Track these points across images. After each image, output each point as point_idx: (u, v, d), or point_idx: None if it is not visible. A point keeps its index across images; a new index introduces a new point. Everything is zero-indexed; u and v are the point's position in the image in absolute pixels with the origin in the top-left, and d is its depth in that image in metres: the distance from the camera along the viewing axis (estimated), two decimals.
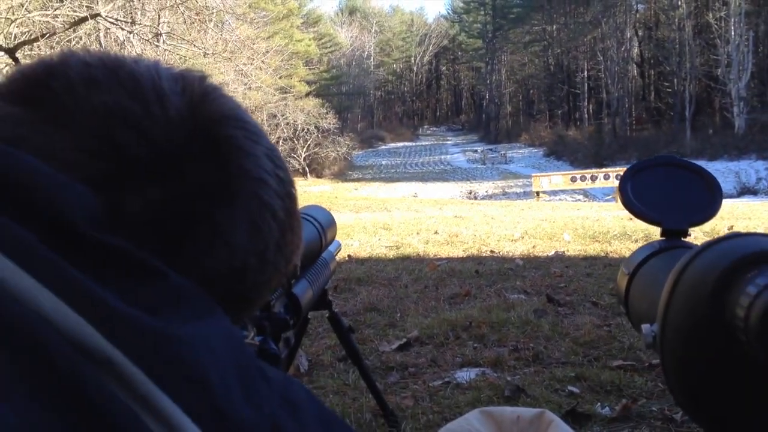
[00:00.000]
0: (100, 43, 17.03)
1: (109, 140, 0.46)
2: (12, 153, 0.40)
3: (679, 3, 44.58)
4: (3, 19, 12.78)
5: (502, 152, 51.63)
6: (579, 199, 25.60)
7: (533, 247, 6.82)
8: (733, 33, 39.52)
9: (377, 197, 25.23)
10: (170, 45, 16.71)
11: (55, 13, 13.58)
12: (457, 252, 6.69)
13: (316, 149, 41.64)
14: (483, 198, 29.48)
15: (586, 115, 53.92)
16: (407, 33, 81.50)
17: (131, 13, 16.05)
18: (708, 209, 0.77)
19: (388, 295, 4.41)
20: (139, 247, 0.41)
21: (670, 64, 45.73)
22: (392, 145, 63.98)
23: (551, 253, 6.33)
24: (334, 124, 41.65)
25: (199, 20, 17.36)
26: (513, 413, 1.39)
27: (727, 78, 39.73)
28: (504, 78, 68.56)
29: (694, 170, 0.81)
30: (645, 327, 0.56)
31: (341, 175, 44.51)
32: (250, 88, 25.32)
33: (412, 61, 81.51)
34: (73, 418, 0.32)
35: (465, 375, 2.71)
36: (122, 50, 14.35)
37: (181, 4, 15.93)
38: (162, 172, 0.47)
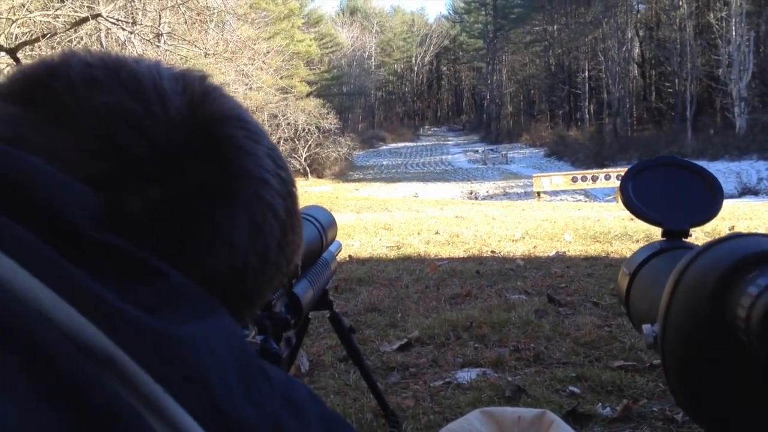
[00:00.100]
0: (101, 44, 17.04)
1: (110, 140, 0.46)
2: (11, 153, 0.40)
3: (680, 3, 44.56)
4: (4, 20, 12.78)
5: (503, 152, 51.62)
6: (580, 200, 25.60)
7: (534, 247, 6.82)
8: (734, 33, 39.50)
9: (378, 197, 25.23)
10: (171, 45, 16.71)
11: (56, 13, 13.58)
12: (458, 252, 6.69)
13: (317, 149, 41.67)
14: (484, 198, 29.49)
15: (587, 116, 53.91)
16: (408, 33, 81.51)
17: (132, 13, 16.05)
18: (709, 210, 0.77)
19: (389, 295, 4.41)
20: (140, 246, 0.41)
21: (671, 65, 45.73)
22: (393, 145, 63.99)
23: (552, 253, 6.33)
24: (335, 124, 41.65)
25: (200, 20, 17.37)
26: (514, 414, 1.39)
27: (728, 78, 39.72)
28: (505, 78, 68.56)
29: (695, 170, 0.81)
30: (646, 327, 0.56)
31: (342, 176, 44.53)
32: (251, 88, 25.32)
33: (413, 62, 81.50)
34: (75, 418, 0.32)
35: (466, 375, 2.71)
36: (123, 50, 14.36)
37: (182, 4, 15.93)
38: (163, 172, 0.47)
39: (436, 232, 8.55)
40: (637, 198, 0.78)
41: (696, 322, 0.49)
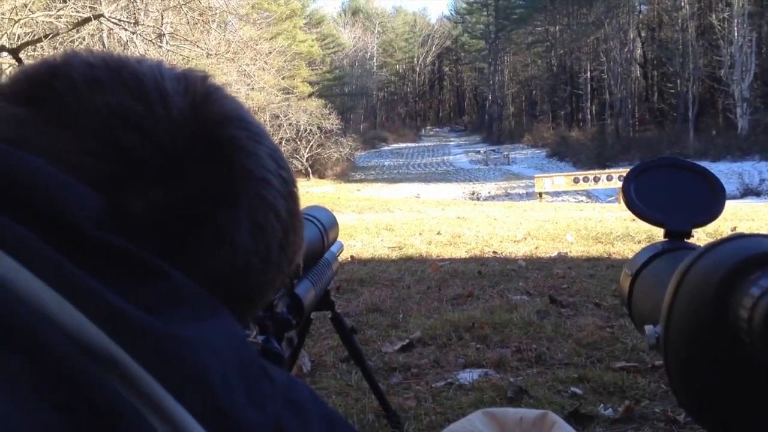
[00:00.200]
0: (104, 44, 17.06)
1: (113, 141, 0.46)
2: (13, 153, 0.40)
3: (682, 4, 44.57)
4: (6, 20, 12.81)
5: (505, 153, 51.60)
6: (582, 200, 25.59)
7: (536, 248, 6.81)
8: (736, 34, 39.49)
9: (380, 198, 25.23)
10: (173, 46, 16.73)
11: (58, 13, 13.60)
12: (460, 253, 6.69)
13: (319, 150, 41.71)
14: (486, 199, 29.49)
15: (588, 116, 53.89)
16: (410, 34, 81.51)
17: (134, 13, 16.06)
18: (711, 210, 0.77)
19: (390, 295, 4.41)
20: (142, 247, 0.41)
21: (673, 65, 45.72)
22: (395, 145, 64.01)
23: (554, 254, 6.32)
24: (336, 124, 41.66)
25: (202, 21, 17.38)
26: (516, 414, 1.39)
27: (730, 79, 39.72)
28: (507, 79, 68.53)
29: (697, 171, 0.81)
30: (648, 328, 0.56)
31: (344, 176, 44.55)
32: (253, 88, 25.35)
33: (415, 62, 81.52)
34: (77, 418, 0.32)
35: (468, 376, 2.71)
36: (125, 51, 14.36)
37: (185, 4, 15.94)
38: (165, 173, 0.47)
39: (438, 233, 8.54)
40: (639, 199, 0.78)
41: (698, 323, 0.49)
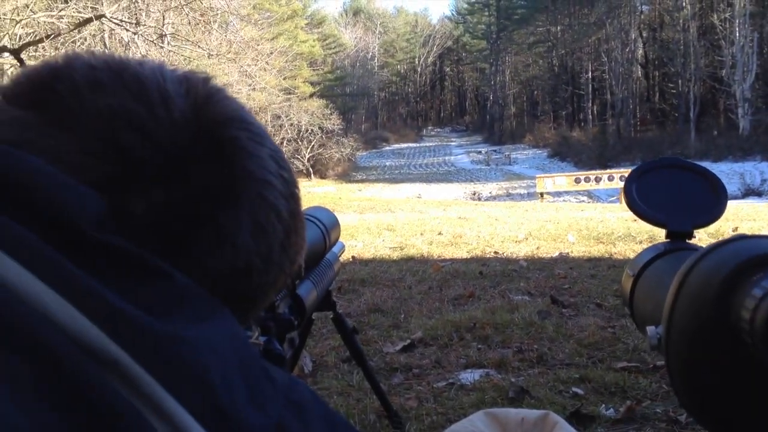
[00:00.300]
0: (105, 44, 17.07)
1: (114, 143, 0.46)
2: (13, 153, 0.40)
3: (684, 4, 44.56)
4: (8, 20, 12.81)
5: (506, 153, 51.59)
6: (583, 201, 25.58)
7: (537, 248, 6.81)
8: (737, 34, 39.47)
9: (381, 198, 25.23)
10: (175, 46, 16.75)
11: (60, 14, 13.61)
12: (461, 253, 6.69)
13: (320, 150, 41.69)
14: (487, 199, 29.48)
15: (590, 116, 53.86)
16: (411, 34, 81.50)
17: (136, 14, 16.07)
18: (713, 211, 0.77)
19: (392, 296, 4.41)
20: (143, 248, 0.41)
21: (674, 65, 45.70)
22: (396, 146, 64.00)
23: (555, 254, 6.32)
24: (338, 125, 41.65)
25: (203, 21, 17.38)
26: (517, 415, 1.40)
27: (732, 79, 39.70)
28: (508, 79, 68.55)
29: (698, 172, 0.81)
30: (650, 329, 0.56)
31: (345, 176, 44.54)
32: (254, 89, 25.34)
33: (416, 62, 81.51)
34: (77, 418, 0.32)
35: (469, 376, 2.71)
36: (127, 51, 14.38)
37: (186, 5, 15.95)
38: (166, 175, 0.47)
39: (439, 233, 8.54)
40: (641, 199, 0.78)
41: (700, 324, 0.49)
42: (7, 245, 0.36)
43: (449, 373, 2.78)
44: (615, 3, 48.78)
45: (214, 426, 0.37)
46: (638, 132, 49.24)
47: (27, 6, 12.85)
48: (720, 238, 0.53)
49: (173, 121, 0.48)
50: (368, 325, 3.61)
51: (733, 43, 39.80)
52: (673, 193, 0.79)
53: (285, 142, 35.33)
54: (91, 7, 13.83)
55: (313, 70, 49.90)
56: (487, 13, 70.27)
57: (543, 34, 61.20)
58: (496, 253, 6.62)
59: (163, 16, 17.20)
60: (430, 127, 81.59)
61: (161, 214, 0.46)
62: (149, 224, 0.46)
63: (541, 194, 24.75)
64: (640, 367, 2.70)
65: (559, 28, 59.13)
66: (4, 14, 12.71)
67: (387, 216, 12.99)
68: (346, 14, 76.71)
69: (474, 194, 33.11)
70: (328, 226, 1.59)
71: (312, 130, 37.80)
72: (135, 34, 14.55)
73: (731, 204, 12.14)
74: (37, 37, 13.43)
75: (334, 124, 40.15)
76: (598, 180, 24.55)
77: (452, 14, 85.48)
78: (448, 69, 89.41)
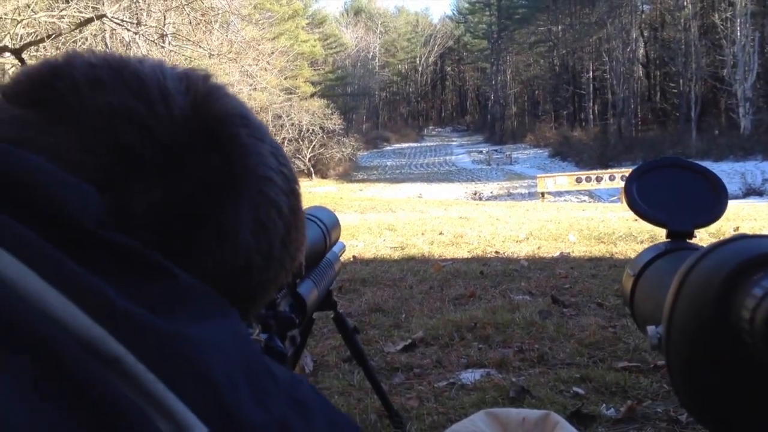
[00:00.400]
0: (106, 44, 17.06)
1: (114, 141, 0.46)
2: (13, 151, 0.40)
3: (685, 3, 44.54)
4: (9, 20, 12.82)
5: (507, 153, 51.59)
6: (584, 200, 25.58)
7: (538, 248, 6.81)
8: (738, 34, 39.45)
9: (382, 198, 25.24)
10: (176, 46, 16.73)
11: (61, 14, 13.62)
12: (462, 253, 6.69)
13: (321, 150, 41.71)
14: (488, 199, 29.48)
15: (591, 116, 53.85)
16: (412, 34, 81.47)
17: (137, 14, 16.07)
18: (713, 211, 0.77)
19: (393, 295, 4.41)
20: (145, 246, 0.41)
21: (675, 65, 45.71)
22: (397, 145, 64.00)
23: (556, 254, 6.32)
24: (339, 124, 41.67)
25: (204, 21, 17.38)
26: (518, 415, 1.40)
27: (733, 79, 39.69)
28: (509, 79, 68.52)
29: (699, 172, 0.81)
30: (650, 329, 0.56)
31: (346, 176, 44.56)
32: (255, 89, 25.33)
33: (417, 62, 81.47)
34: (81, 416, 0.32)
35: (470, 376, 2.71)
36: (128, 51, 14.38)
37: (187, 5, 15.95)
38: (167, 172, 0.47)
39: (440, 233, 8.54)
40: (641, 199, 0.78)
41: (700, 324, 0.48)
42: (7, 243, 0.35)
43: (450, 372, 2.78)
44: (616, 2, 48.76)
45: (218, 424, 0.37)
46: (639, 131, 49.24)
47: (28, 6, 12.86)
48: (721, 238, 0.53)
49: (173, 118, 0.49)
50: (369, 324, 3.61)
51: (735, 43, 39.80)
52: (674, 193, 0.79)
53: (286, 141, 35.33)
54: (92, 7, 13.84)
55: (314, 69, 49.89)
56: (488, 13, 70.24)
57: (544, 34, 61.19)
58: (497, 252, 6.62)
59: (164, 16, 17.20)
60: (431, 127, 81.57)
61: (161, 212, 0.46)
62: (150, 222, 0.46)
63: (542, 194, 24.74)
64: (641, 367, 2.70)
65: (560, 27, 59.12)
66: (5, 14, 12.72)
67: (388, 216, 13.00)
68: (347, 14, 76.68)
69: (475, 194, 33.12)
70: (328, 225, 1.59)
71: (313, 129, 37.81)
72: (136, 34, 14.54)
73: (732, 203, 12.14)
74: (38, 37, 13.43)
75: (335, 124, 40.17)
76: (599, 180, 24.55)
77: (453, 14, 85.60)
78: (449, 69, 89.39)
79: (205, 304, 0.42)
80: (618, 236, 7.30)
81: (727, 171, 29.67)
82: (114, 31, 15.11)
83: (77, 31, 14.17)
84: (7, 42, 12.92)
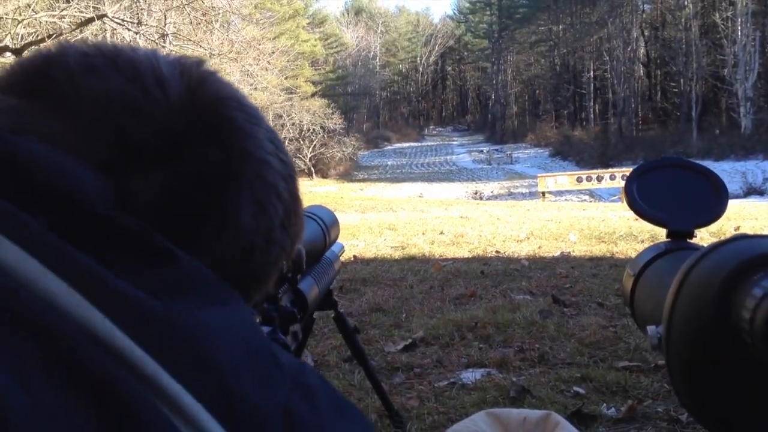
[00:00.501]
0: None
1: (112, 126, 0.46)
2: (12, 138, 0.40)
3: (686, 3, 44.53)
4: (10, 20, 12.83)
5: (508, 152, 51.58)
6: (585, 200, 25.56)
7: (539, 247, 6.81)
8: (739, 33, 39.43)
9: (383, 197, 25.23)
10: (176, 45, 16.74)
11: (61, 13, 13.63)
12: (463, 252, 6.69)
13: (322, 149, 41.69)
14: (488, 198, 29.47)
15: (592, 116, 53.84)
16: (413, 33, 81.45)
17: (138, 13, 16.09)
18: (714, 210, 0.77)
19: (393, 295, 4.41)
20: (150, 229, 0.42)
21: (676, 64, 45.70)
22: (398, 145, 63.98)
23: (557, 253, 6.32)
24: (339, 124, 41.64)
25: (205, 21, 17.39)
26: (519, 415, 1.40)
27: (734, 78, 39.67)
28: (510, 78, 68.48)
29: (699, 171, 0.81)
30: (650, 329, 0.56)
31: (347, 176, 44.55)
32: (256, 88, 25.33)
33: (418, 62, 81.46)
34: (83, 402, 0.32)
35: (470, 376, 2.71)
36: None
37: (188, 4, 15.96)
38: (165, 157, 0.47)
39: (441, 233, 8.54)
40: (641, 199, 0.78)
41: (701, 324, 0.48)
42: (7, 228, 0.35)
43: (450, 372, 2.78)
44: (617, 2, 48.75)
45: (222, 409, 0.37)
46: (640, 131, 49.21)
47: (29, 6, 12.87)
48: (721, 238, 0.53)
49: (170, 103, 0.49)
50: (370, 324, 3.61)
51: (735, 42, 39.77)
52: (674, 193, 0.79)
53: (287, 141, 35.29)
54: (92, 7, 13.85)
55: (315, 69, 49.86)
56: (488, 13, 70.21)
57: (545, 33, 61.15)
58: (497, 252, 6.62)
59: (165, 16, 17.21)
60: (431, 127, 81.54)
61: (161, 197, 0.47)
62: (150, 207, 0.46)
63: (543, 193, 24.74)
64: (642, 367, 2.70)
65: (560, 27, 59.09)
66: (6, 14, 12.73)
67: (388, 215, 13.00)
68: (348, 13, 76.67)
69: (476, 193, 33.12)
70: (328, 223, 1.60)
71: (314, 129, 37.78)
72: (137, 33, 14.55)
73: (733, 203, 12.14)
74: (39, 37, 13.45)
75: (335, 124, 40.13)
76: (599, 179, 24.55)
77: (454, 13, 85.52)
78: (449, 68, 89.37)
79: (209, 289, 0.42)
80: (619, 236, 7.31)
81: (728, 170, 29.67)
82: (115, 31, 15.11)
83: (78, 30, 14.16)
84: (7, 42, 12.93)
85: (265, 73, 25.45)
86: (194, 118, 0.50)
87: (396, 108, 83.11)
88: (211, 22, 18.09)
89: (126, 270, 0.38)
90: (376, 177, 44.49)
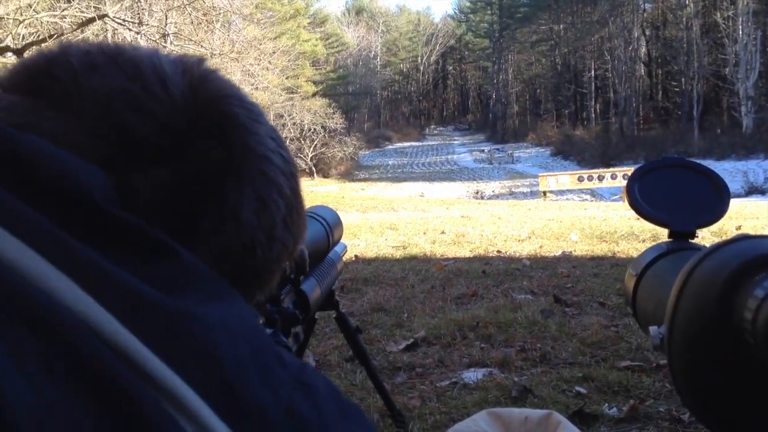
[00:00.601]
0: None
1: (114, 123, 0.47)
2: (15, 133, 0.40)
3: (687, 2, 44.48)
4: (11, 20, 12.82)
5: (509, 152, 51.53)
6: (586, 199, 25.52)
7: (540, 247, 6.81)
8: (740, 32, 39.37)
9: (384, 197, 25.22)
10: (177, 45, 16.73)
11: (62, 13, 13.62)
12: (464, 252, 6.69)
13: (323, 149, 41.65)
14: (490, 198, 29.44)
15: (593, 115, 53.77)
16: (414, 33, 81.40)
17: (139, 13, 16.08)
18: (715, 210, 0.77)
19: (395, 295, 4.41)
20: (150, 226, 0.42)
21: (677, 64, 45.65)
22: (399, 144, 63.93)
23: (558, 253, 6.32)
24: (340, 124, 41.62)
25: (206, 21, 17.38)
26: (521, 414, 1.40)
27: (735, 77, 39.61)
28: (511, 77, 68.44)
29: (701, 171, 0.81)
30: (653, 329, 0.56)
31: (348, 175, 44.52)
32: (257, 88, 25.32)
33: (419, 61, 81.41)
34: (84, 396, 0.32)
35: (472, 375, 2.71)
36: None
37: (189, 4, 15.95)
38: (167, 153, 0.48)
39: (442, 232, 8.54)
40: (643, 199, 0.78)
41: (703, 324, 0.49)
42: (6, 220, 0.35)
43: (452, 372, 2.78)
44: (618, 1, 48.70)
45: (222, 403, 0.37)
46: (641, 130, 49.15)
47: (30, 6, 12.86)
48: (723, 238, 0.53)
49: (172, 99, 0.49)
50: (371, 324, 3.61)
51: (737, 41, 39.70)
52: (676, 193, 0.79)
53: (288, 141, 35.24)
54: (94, 7, 13.84)
55: (316, 69, 49.83)
56: (489, 12, 70.17)
57: (546, 33, 61.11)
58: (499, 252, 6.62)
59: (166, 16, 17.19)
60: (432, 126, 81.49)
61: (164, 193, 0.47)
62: (153, 203, 0.46)
63: (544, 193, 24.72)
64: (644, 366, 2.70)
65: (561, 26, 59.03)
66: (7, 14, 12.72)
67: (390, 215, 13.00)
68: (349, 13, 76.63)
69: (477, 193, 33.10)
70: (331, 223, 1.59)
71: (315, 129, 37.75)
72: (138, 33, 14.54)
73: (734, 202, 12.11)
74: (40, 37, 13.44)
75: (336, 123, 40.09)
76: (601, 178, 24.54)
77: (455, 13, 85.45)
78: (450, 68, 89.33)
79: (211, 285, 0.42)
80: (620, 235, 7.30)
81: (729, 170, 29.62)
82: (116, 31, 15.10)
83: (79, 31, 14.16)
84: (9, 42, 12.93)
85: (266, 73, 25.45)
86: (196, 115, 0.50)
87: (397, 107, 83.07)
88: (212, 22, 18.08)
89: (127, 263, 0.38)
90: (378, 176, 44.47)
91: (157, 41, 15.41)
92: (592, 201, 23.46)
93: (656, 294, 0.66)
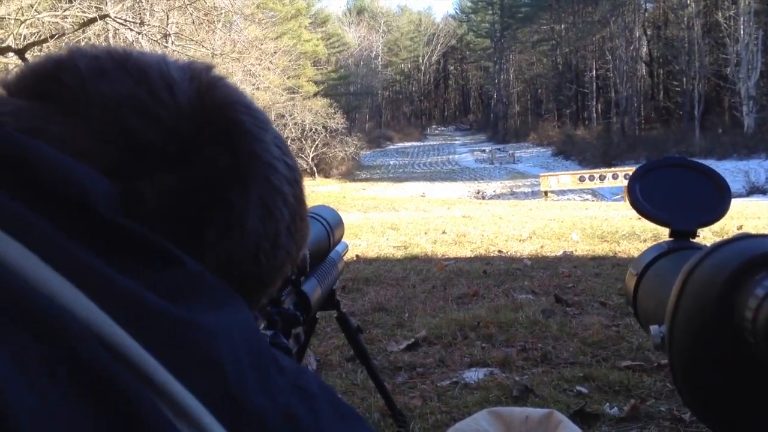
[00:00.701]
0: (109, 44, 17.06)
1: (122, 128, 0.46)
2: (21, 138, 0.40)
3: (688, 2, 44.46)
4: (12, 20, 12.83)
5: (510, 152, 51.54)
6: (587, 199, 25.52)
7: (541, 247, 6.81)
8: (742, 32, 39.36)
9: (385, 197, 25.22)
10: (179, 46, 16.75)
11: (64, 14, 13.62)
12: (465, 252, 6.69)
13: (324, 149, 41.66)
14: (491, 198, 29.43)
15: (594, 115, 53.77)
16: (415, 33, 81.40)
17: (140, 13, 16.08)
18: (717, 210, 0.77)
19: (396, 295, 4.41)
20: (154, 234, 0.42)
21: (679, 63, 45.62)
22: (400, 144, 63.95)
23: (559, 253, 6.32)
24: (342, 124, 41.63)
25: (207, 21, 17.39)
26: (521, 413, 1.40)
27: (737, 77, 39.59)
28: (512, 77, 68.43)
29: (702, 171, 0.81)
30: (653, 328, 0.56)
31: (349, 175, 44.53)
32: (258, 88, 25.33)
33: (420, 61, 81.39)
34: (86, 400, 0.32)
35: (473, 375, 2.71)
36: None
37: (190, 4, 15.96)
38: (175, 158, 0.48)
39: (443, 232, 8.54)
40: (644, 199, 0.78)
41: (703, 324, 0.49)
42: (8, 225, 0.35)
43: (453, 371, 2.79)
44: (619, 1, 48.70)
45: (224, 411, 0.37)
46: (643, 130, 49.15)
47: (31, 6, 12.87)
48: (724, 237, 0.53)
49: (179, 106, 0.49)
50: (372, 324, 3.61)
51: (738, 41, 39.69)
52: (677, 192, 0.79)
53: (289, 141, 35.26)
54: (95, 7, 13.85)
55: (317, 69, 49.85)
56: (491, 12, 70.17)
57: (547, 33, 61.08)
58: (500, 251, 6.62)
59: (167, 16, 17.20)
60: (434, 126, 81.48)
61: (171, 199, 0.47)
62: (159, 210, 0.46)
63: (545, 193, 24.71)
64: (645, 366, 2.70)
65: (563, 26, 59.03)
66: (9, 14, 12.73)
67: (391, 215, 13.00)
68: (350, 13, 76.63)
69: (478, 193, 33.09)
70: (332, 224, 1.59)
71: (316, 129, 37.75)
72: (139, 33, 14.55)
73: (736, 202, 12.09)
74: (42, 37, 13.45)
75: (338, 123, 40.09)
76: (602, 178, 24.52)
77: (456, 13, 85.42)
78: (452, 68, 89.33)
79: (215, 293, 0.42)
80: (621, 235, 7.30)
81: (730, 169, 29.60)
82: (117, 31, 15.11)
83: (80, 31, 14.17)
84: (10, 42, 12.94)
85: (268, 73, 25.47)
86: (204, 122, 0.50)
87: (398, 107, 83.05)
88: (214, 22, 18.09)
89: (131, 270, 0.38)
90: (379, 176, 44.48)
91: (159, 41, 15.42)
92: (593, 201, 23.46)
93: (657, 293, 0.66)
